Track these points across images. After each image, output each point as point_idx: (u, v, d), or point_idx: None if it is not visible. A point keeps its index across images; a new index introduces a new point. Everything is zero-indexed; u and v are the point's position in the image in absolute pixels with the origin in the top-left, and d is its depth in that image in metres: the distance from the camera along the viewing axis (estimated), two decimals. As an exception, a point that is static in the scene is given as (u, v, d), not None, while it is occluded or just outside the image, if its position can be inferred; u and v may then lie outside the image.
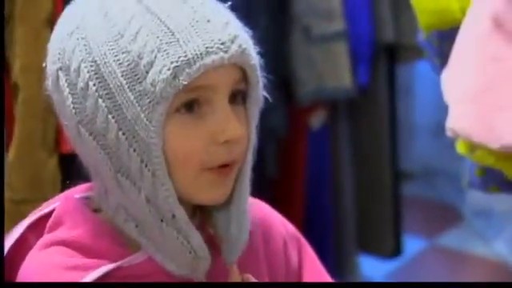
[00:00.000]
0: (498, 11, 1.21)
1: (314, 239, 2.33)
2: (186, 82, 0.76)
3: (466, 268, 3.00)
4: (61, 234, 0.83)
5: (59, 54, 0.81)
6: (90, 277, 0.78)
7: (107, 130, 0.78)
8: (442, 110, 1.31)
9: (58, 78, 0.81)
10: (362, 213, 2.51)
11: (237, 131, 0.80)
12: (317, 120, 2.30)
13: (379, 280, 2.76)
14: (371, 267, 2.71)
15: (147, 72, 0.76)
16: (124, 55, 0.77)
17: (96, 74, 0.78)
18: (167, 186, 0.78)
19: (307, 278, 0.99)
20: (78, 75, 0.79)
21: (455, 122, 1.23)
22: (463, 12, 1.32)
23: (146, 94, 0.76)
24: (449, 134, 1.25)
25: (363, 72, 2.31)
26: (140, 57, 0.76)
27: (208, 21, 0.78)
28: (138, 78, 0.76)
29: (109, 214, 0.84)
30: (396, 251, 2.57)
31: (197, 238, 0.82)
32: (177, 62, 0.75)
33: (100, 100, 0.77)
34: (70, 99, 0.79)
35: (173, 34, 0.76)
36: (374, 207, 2.53)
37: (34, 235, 0.86)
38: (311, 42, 2.14)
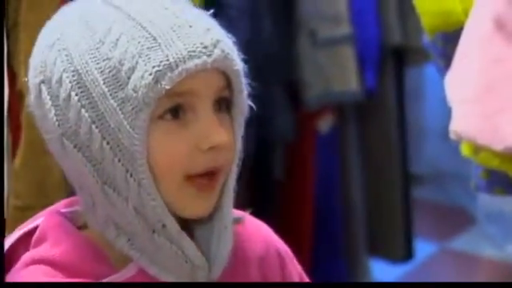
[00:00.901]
0: (499, 12, 1.20)
1: (325, 243, 2.35)
2: (168, 87, 0.75)
3: (477, 272, 2.98)
4: (43, 251, 0.82)
5: (41, 67, 0.80)
6: None
7: (91, 140, 0.77)
8: (452, 112, 1.30)
9: (40, 91, 0.80)
10: (373, 217, 2.50)
11: (221, 137, 0.79)
12: (325, 124, 2.30)
13: (391, 285, 2.75)
14: (382, 271, 2.69)
15: (129, 78, 0.75)
16: (105, 62, 0.76)
17: (78, 83, 0.77)
18: (153, 195, 0.78)
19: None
20: (60, 86, 0.78)
21: (459, 124, 1.23)
22: (466, 14, 1.31)
23: (129, 101, 0.75)
24: (452, 136, 1.24)
25: (371, 76, 2.30)
26: (121, 63, 0.75)
27: (190, 26, 0.78)
28: (121, 85, 0.76)
29: (96, 230, 0.83)
30: (407, 255, 2.56)
31: (191, 247, 0.81)
32: (158, 66, 0.75)
33: (83, 110, 0.77)
34: (53, 111, 0.79)
35: (154, 39, 0.76)
36: (385, 211, 2.53)
37: (23, 249, 0.85)
38: (318, 46, 2.14)
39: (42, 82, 0.80)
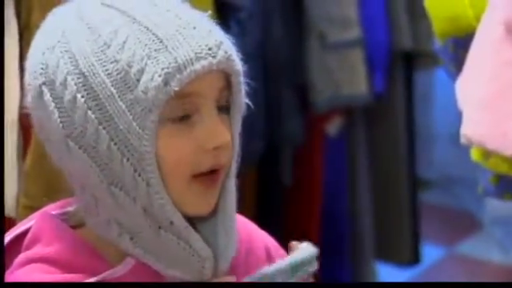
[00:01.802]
0: (510, 17, 1.20)
1: (332, 247, 2.35)
2: (177, 88, 0.76)
3: (485, 276, 2.98)
4: (38, 251, 0.82)
5: (41, 69, 0.80)
6: None
7: (98, 141, 0.78)
8: (462, 117, 1.30)
9: (41, 93, 0.80)
10: (380, 220, 2.50)
11: (225, 137, 0.81)
12: (333, 127, 2.31)
13: (398, 288, 2.75)
14: (389, 275, 2.69)
15: (138, 80, 0.76)
16: (113, 65, 0.77)
17: (84, 85, 0.78)
18: (162, 194, 0.79)
19: None
20: (65, 88, 0.78)
21: (469, 129, 1.23)
22: (477, 19, 1.32)
23: (138, 102, 0.76)
24: (463, 140, 1.24)
25: (380, 79, 2.30)
26: (129, 65, 0.76)
27: (194, 27, 0.79)
28: (129, 87, 0.76)
29: (91, 229, 0.84)
30: (414, 259, 2.56)
31: (198, 240, 0.82)
32: (168, 68, 0.76)
33: (89, 112, 0.77)
34: (57, 113, 0.79)
35: (161, 42, 0.77)
36: (392, 215, 2.52)
37: (14, 252, 0.85)
38: (327, 50, 2.14)
39: (44, 83, 0.80)
